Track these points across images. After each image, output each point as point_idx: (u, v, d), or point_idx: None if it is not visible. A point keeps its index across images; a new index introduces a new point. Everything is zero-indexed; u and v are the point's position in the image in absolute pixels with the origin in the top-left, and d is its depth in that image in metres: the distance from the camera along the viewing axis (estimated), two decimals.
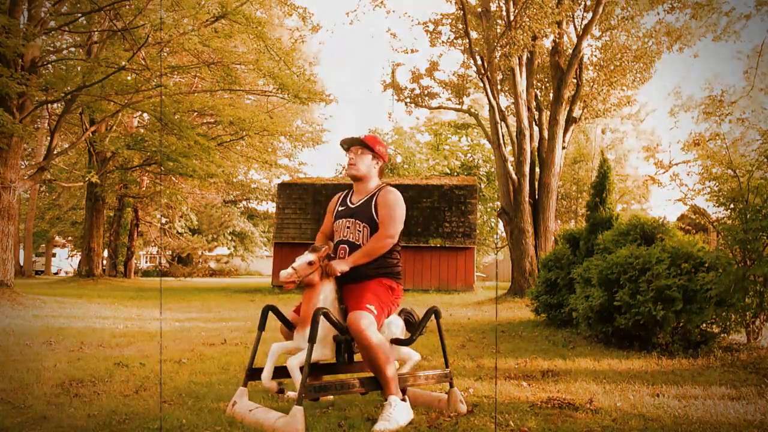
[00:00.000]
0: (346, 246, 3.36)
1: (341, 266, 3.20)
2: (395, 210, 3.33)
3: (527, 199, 14.37)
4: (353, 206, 3.45)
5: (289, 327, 3.34)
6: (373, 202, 3.38)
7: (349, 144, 3.51)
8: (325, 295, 3.16)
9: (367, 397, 3.61)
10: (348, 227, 3.40)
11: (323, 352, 3.11)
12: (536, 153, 15.11)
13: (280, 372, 3.29)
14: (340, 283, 3.27)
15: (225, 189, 30.24)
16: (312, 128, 29.20)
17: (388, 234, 3.29)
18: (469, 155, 33.35)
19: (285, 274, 3.07)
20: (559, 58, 15.01)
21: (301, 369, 2.96)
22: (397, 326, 3.40)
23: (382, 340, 3.12)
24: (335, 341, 3.15)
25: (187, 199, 27.14)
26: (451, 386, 3.42)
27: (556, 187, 14.96)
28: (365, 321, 3.04)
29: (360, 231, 3.35)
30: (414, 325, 3.49)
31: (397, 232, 3.33)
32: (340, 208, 3.53)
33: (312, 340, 2.94)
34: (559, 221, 20.04)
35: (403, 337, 3.41)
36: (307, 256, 3.16)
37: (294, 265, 3.13)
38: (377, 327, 3.15)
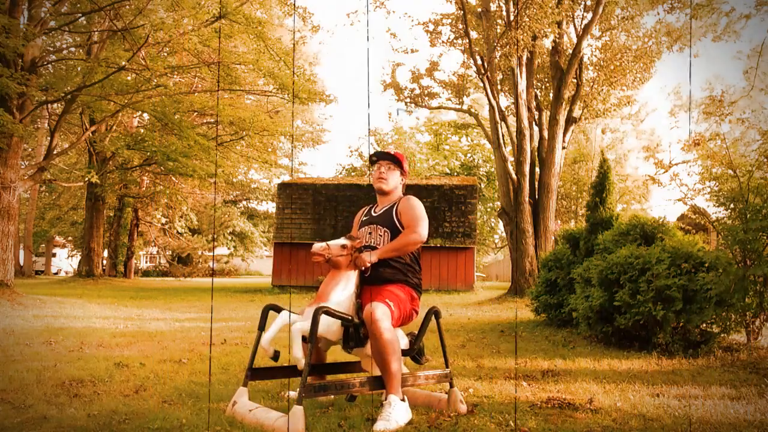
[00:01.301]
0: (369, 250, 3.45)
1: (370, 257, 3.28)
2: (419, 210, 3.42)
3: (527, 199, 14.37)
4: (375, 215, 3.57)
5: None
6: (395, 210, 3.48)
7: (380, 157, 3.61)
8: (347, 282, 3.24)
9: (367, 397, 3.62)
10: (370, 233, 3.52)
11: (330, 330, 3.15)
12: (536, 153, 15.10)
13: (283, 372, 3.29)
14: (364, 284, 3.35)
15: (225, 189, 30.23)
16: (312, 128, 29.19)
17: (416, 231, 3.35)
18: (469, 155, 33.33)
19: (318, 246, 3.20)
20: (559, 58, 15.01)
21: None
22: (402, 339, 3.44)
23: (394, 335, 3.15)
24: (343, 326, 3.20)
25: (187, 199, 27.14)
26: (451, 386, 3.43)
27: (556, 187, 14.95)
28: (381, 311, 3.09)
29: (381, 236, 3.45)
30: (414, 347, 3.51)
31: (425, 231, 3.38)
32: (364, 218, 3.65)
33: (312, 340, 2.95)
34: (559, 221, 20.01)
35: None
36: (343, 240, 3.29)
37: (329, 242, 3.26)
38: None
